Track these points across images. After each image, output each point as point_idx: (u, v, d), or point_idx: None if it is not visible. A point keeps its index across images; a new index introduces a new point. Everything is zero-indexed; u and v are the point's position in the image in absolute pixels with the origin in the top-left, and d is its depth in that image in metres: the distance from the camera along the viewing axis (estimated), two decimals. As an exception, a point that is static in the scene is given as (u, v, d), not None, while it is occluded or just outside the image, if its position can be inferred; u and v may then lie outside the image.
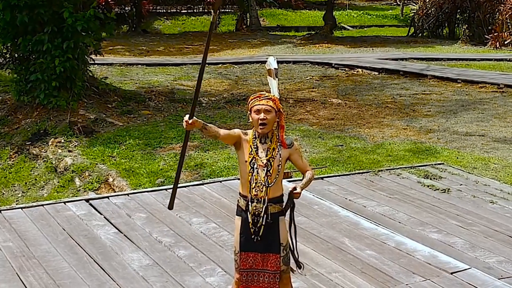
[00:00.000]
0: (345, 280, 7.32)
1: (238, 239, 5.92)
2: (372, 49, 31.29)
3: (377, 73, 23.33)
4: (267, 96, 5.90)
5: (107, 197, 10.11)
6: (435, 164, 12.01)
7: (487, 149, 13.61)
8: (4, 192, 14.19)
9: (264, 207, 5.76)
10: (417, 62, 25.85)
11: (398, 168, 11.71)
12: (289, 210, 5.93)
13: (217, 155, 13.67)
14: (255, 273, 5.90)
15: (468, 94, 19.57)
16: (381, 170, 11.55)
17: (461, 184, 10.89)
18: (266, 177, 5.74)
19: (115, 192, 12.60)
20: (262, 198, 5.76)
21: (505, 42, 31.35)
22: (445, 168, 11.76)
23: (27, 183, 14.33)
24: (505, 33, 31.66)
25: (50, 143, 15.04)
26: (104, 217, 9.24)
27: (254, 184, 5.76)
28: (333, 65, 24.97)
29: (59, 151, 14.72)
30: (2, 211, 9.40)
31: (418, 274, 7.49)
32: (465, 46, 31.98)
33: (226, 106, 18.03)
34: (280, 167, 5.81)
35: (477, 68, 24.27)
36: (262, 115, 5.76)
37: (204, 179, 12.11)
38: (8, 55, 16.60)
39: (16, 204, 11.10)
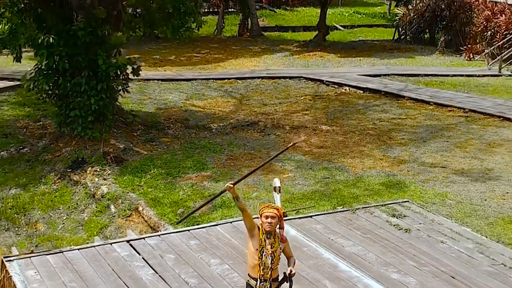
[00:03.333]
0: (325, 319, 9.41)
1: (248, 307, 7.97)
2: (360, 59, 33.05)
3: (361, 92, 25.23)
4: (273, 206, 7.91)
5: (143, 238, 12.14)
6: (401, 202, 13.97)
7: (446, 182, 15.56)
8: (52, 215, 16.20)
9: (269, 284, 7.82)
10: (398, 79, 27.62)
11: (372, 206, 13.69)
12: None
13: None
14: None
15: (437, 119, 21.44)
16: (358, 208, 13.55)
17: (420, 223, 12.90)
18: (271, 263, 7.80)
19: (145, 219, 14.72)
20: (268, 278, 7.82)
21: (477, 54, 33.11)
22: (409, 206, 13.75)
23: (70, 206, 16.34)
24: (478, 45, 33.46)
25: (88, 172, 17.05)
26: (143, 258, 11.28)
27: (262, 267, 7.80)
28: (324, 81, 26.85)
29: (96, 179, 16.73)
30: (63, 252, 11.46)
31: (378, 315, 9.58)
32: (441, 57, 33.74)
33: (233, 132, 19.97)
34: (279, 256, 7.88)
35: (449, 87, 26.08)
36: (269, 220, 7.79)
37: (217, 208, 14.26)
38: (50, 92, 18.51)
39: (73, 245, 13.06)
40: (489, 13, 34.13)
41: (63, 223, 15.73)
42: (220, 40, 40.12)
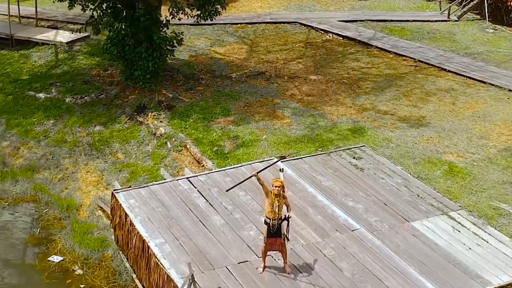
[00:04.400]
0: (308, 233, 14.36)
1: (265, 233, 12.88)
2: (342, 0, 36.60)
3: (341, 38, 29.34)
4: (279, 180, 12.64)
5: (197, 175, 16.89)
6: (360, 146, 18.60)
7: (392, 128, 20.13)
8: (126, 147, 20.73)
9: (277, 222, 12.73)
10: (370, 25, 31.34)
11: (340, 150, 18.36)
12: (287, 224, 12.82)
13: (245, 129, 20.17)
14: (272, 246, 12.95)
15: (394, 68, 25.61)
16: (332, 152, 18.22)
17: (370, 164, 17.66)
18: (278, 211, 12.66)
19: (192, 154, 19.41)
20: (276, 218, 12.70)
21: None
22: (365, 150, 18.44)
23: (138, 141, 20.86)
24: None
25: (149, 115, 21.59)
26: (198, 190, 16.12)
27: (273, 214, 12.68)
28: (314, 27, 30.83)
29: (155, 122, 21.30)
30: (149, 186, 16.30)
31: (338, 231, 14.53)
32: (407, -3, 37.13)
33: (247, 80, 24.28)
34: (282, 207, 12.70)
35: (407, 34, 29.92)
36: (277, 188, 12.53)
37: (240, 147, 18.98)
38: (118, 55, 22.78)
39: (145, 172, 17.84)
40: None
41: (135, 154, 20.36)
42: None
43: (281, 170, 13.70)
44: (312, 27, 30.95)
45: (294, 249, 13.72)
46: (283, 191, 12.71)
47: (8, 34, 27.96)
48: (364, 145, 18.76)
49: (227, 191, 13.62)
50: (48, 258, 16.29)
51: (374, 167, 17.47)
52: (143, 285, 14.57)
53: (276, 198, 12.59)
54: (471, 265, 13.55)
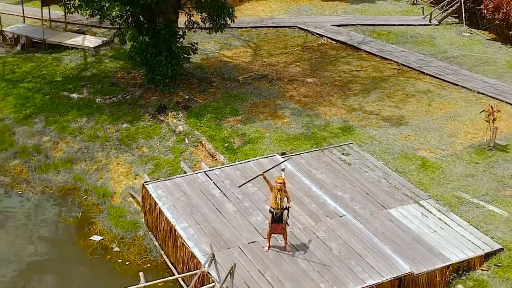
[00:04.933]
0: (304, 219, 16.89)
1: (270, 220, 15.42)
2: (336, 4, 38.61)
3: (335, 42, 31.63)
4: (281, 178, 15.14)
5: (212, 169, 19.36)
6: (348, 144, 21.04)
7: (376, 127, 22.55)
8: (150, 142, 23.05)
9: (279, 211, 15.26)
10: (360, 29, 33.54)
11: (331, 147, 20.79)
12: (287, 212, 15.33)
13: (251, 127, 22.56)
14: (275, 230, 15.49)
15: (380, 71, 27.90)
16: (324, 149, 20.67)
17: (356, 159, 20.11)
18: (280, 202, 15.18)
19: (206, 149, 21.86)
20: (279, 208, 15.23)
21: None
22: (352, 147, 20.88)
23: (160, 137, 23.20)
24: (418, -8, 39.01)
25: (168, 115, 24.01)
26: (213, 182, 18.58)
27: (276, 204, 15.21)
28: (310, 31, 33.08)
29: (174, 120, 23.72)
30: (173, 179, 18.79)
31: (328, 216, 17.06)
32: (394, 3, 38.77)
33: (252, 82, 26.62)
34: (284, 199, 15.21)
35: (393, 38, 32.13)
36: (279, 184, 15.00)
37: (247, 143, 21.42)
38: (141, 61, 25.14)
39: (167, 164, 20.32)
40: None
41: (158, 148, 22.71)
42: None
43: (283, 169, 16.19)
44: (308, 31, 33.16)
45: (293, 232, 16.24)
46: (284, 186, 15.19)
47: (41, 38, 30.20)
48: (351, 143, 21.17)
49: (239, 187, 16.08)
50: (90, 238, 18.75)
51: (359, 162, 19.91)
52: (170, 261, 17.12)
53: (278, 192, 15.09)
54: (435, 245, 16.08)
